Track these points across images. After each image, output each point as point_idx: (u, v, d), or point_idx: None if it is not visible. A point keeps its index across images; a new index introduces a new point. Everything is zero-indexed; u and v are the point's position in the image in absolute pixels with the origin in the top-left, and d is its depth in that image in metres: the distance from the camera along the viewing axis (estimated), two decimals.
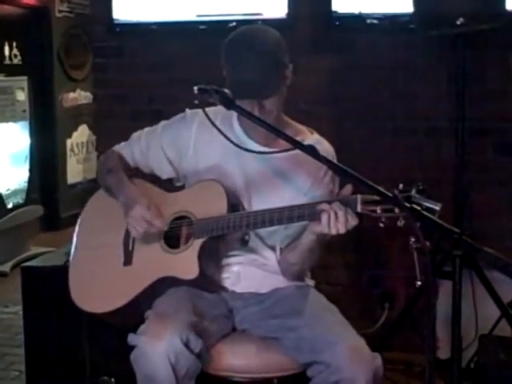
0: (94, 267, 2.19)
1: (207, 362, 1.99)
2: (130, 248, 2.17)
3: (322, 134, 2.21)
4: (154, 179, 2.29)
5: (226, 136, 1.98)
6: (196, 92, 1.89)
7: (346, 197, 1.90)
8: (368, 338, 1.96)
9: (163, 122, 2.29)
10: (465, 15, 2.67)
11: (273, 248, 2.17)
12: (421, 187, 1.78)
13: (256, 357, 2.07)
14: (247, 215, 2.02)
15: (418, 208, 1.75)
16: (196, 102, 1.91)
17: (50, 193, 6.23)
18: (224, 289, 2.16)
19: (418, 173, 3.25)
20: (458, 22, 2.68)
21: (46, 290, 2.82)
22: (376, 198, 1.82)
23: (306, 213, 1.93)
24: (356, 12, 3.27)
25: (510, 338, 2.84)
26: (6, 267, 4.97)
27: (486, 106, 3.20)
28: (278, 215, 1.96)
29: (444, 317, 2.87)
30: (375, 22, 3.25)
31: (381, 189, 1.78)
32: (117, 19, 3.58)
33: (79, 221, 2.34)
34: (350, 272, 3.45)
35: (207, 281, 2.11)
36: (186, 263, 2.04)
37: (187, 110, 2.22)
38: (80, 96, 6.67)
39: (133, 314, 2.07)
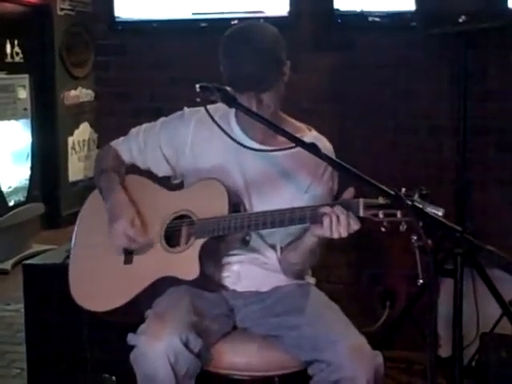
0: (93, 265, 2.18)
1: (208, 361, 1.99)
2: None
3: (323, 133, 2.20)
4: (152, 176, 2.28)
5: (226, 132, 1.97)
6: (198, 90, 1.88)
7: (348, 200, 1.89)
8: (369, 337, 1.96)
9: (162, 119, 2.29)
10: (467, 13, 2.67)
11: (273, 247, 2.17)
12: (424, 191, 1.75)
13: (257, 355, 2.06)
14: (249, 216, 2.01)
15: (420, 206, 1.73)
16: (198, 99, 1.90)
17: (51, 191, 6.22)
18: (224, 288, 2.16)
19: (420, 171, 3.25)
20: (460, 21, 2.68)
21: (48, 287, 2.81)
22: (378, 202, 1.81)
23: (308, 215, 1.92)
24: (358, 10, 3.26)
25: None
26: (8, 265, 4.97)
27: (488, 104, 3.20)
28: (280, 217, 1.95)
29: (445, 315, 2.86)
30: (377, 20, 3.24)
31: (382, 186, 1.77)
32: (118, 17, 3.58)
33: (78, 218, 2.32)
34: (351, 270, 3.45)
35: (207, 280, 2.10)
36: (186, 263, 2.03)
37: (185, 108, 2.22)
38: (81, 94, 6.66)
39: (133, 314, 2.06)
